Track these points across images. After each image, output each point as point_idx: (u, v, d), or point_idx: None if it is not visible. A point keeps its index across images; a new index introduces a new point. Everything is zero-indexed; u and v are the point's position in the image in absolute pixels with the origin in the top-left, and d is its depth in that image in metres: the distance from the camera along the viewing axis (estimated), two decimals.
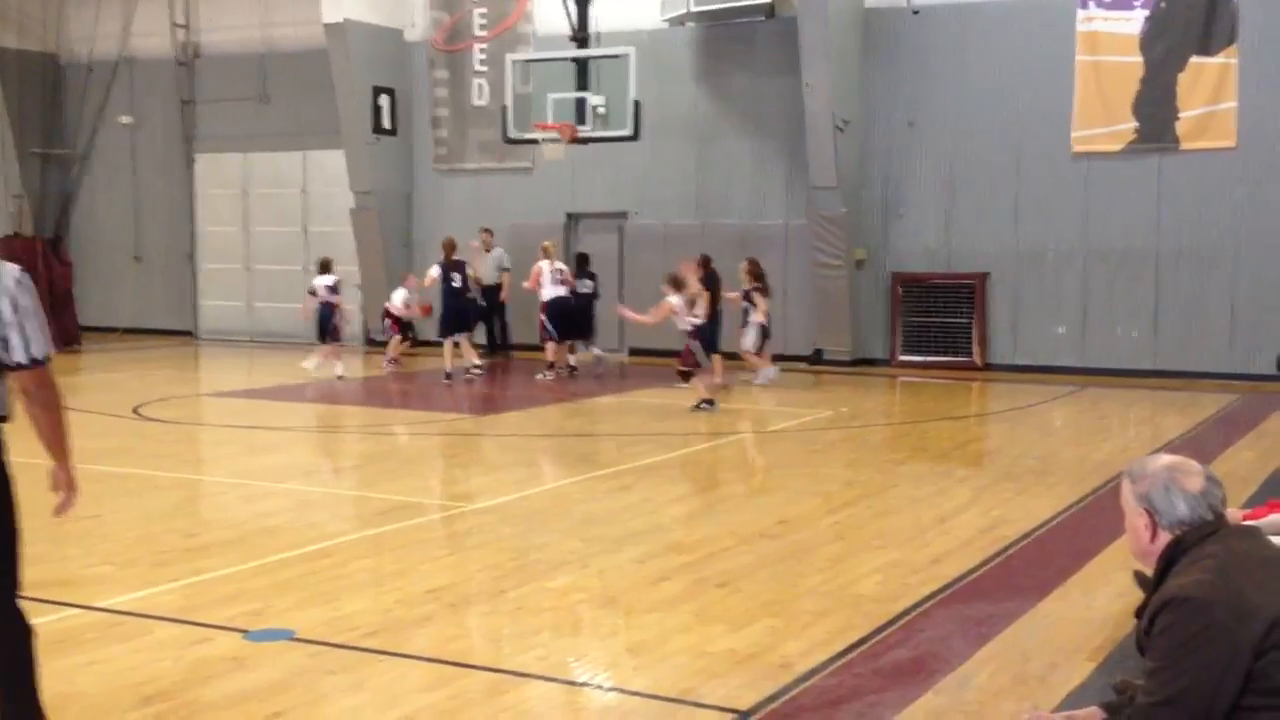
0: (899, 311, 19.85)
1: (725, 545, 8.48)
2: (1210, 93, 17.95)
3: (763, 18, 20.26)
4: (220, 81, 24.92)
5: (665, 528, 9.12)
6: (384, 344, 20.83)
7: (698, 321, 15.70)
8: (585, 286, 19.37)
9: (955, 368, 19.32)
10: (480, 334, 20.77)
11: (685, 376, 15.58)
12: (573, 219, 22.23)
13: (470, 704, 5.57)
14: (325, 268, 19.21)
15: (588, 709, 5.74)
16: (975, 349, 19.44)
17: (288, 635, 6.45)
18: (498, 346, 21.46)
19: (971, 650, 6.21)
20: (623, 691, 5.80)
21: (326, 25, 22.07)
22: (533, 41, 21.78)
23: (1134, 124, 18.41)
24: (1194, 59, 17.99)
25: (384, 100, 22.72)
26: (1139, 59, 18.31)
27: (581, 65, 18.78)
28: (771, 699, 5.56)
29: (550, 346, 18.57)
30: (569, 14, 19.75)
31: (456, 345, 18.31)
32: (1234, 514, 5.92)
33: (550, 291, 18.58)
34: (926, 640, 6.40)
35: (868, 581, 7.56)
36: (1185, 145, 18.15)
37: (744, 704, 5.50)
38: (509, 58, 19.94)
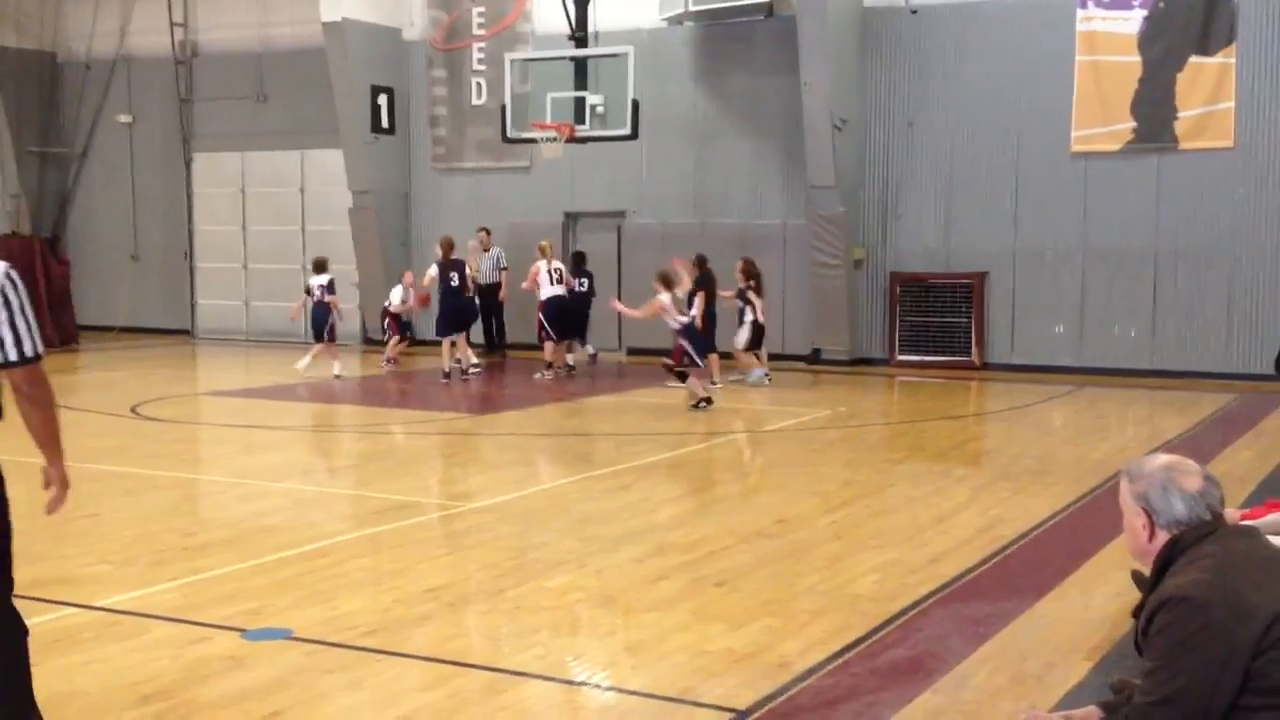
0: (897, 311, 19.85)
1: (723, 544, 8.48)
2: (1209, 93, 17.95)
3: (761, 17, 20.26)
4: (218, 80, 24.91)
5: (663, 527, 9.12)
6: (382, 343, 20.84)
7: (686, 320, 15.71)
8: (581, 285, 19.38)
9: (953, 367, 19.32)
10: (478, 333, 20.77)
11: (681, 376, 15.58)
12: (571, 218, 22.23)
13: (468, 703, 5.57)
14: (320, 267, 19.21)
15: (586, 708, 5.73)
16: (973, 348, 19.44)
17: (285, 634, 6.45)
18: (495, 346, 21.46)
19: (969, 650, 6.21)
20: (621, 691, 5.80)
21: (324, 24, 22.06)
22: (531, 40, 21.78)
23: (1132, 124, 18.41)
24: (1193, 59, 18.00)
25: (382, 99, 22.71)
26: (1138, 59, 18.31)
27: (580, 64, 18.77)
28: (769, 698, 5.56)
29: (548, 346, 18.57)
30: (567, 13, 19.75)
31: (454, 345, 18.32)
32: (1232, 514, 5.92)
33: (548, 291, 18.58)
34: (924, 640, 6.40)
35: (866, 581, 7.57)
36: (1184, 145, 18.16)
37: (742, 703, 5.50)
38: (507, 57, 19.95)
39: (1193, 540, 3.43)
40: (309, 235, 24.10)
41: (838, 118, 18.94)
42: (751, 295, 17.64)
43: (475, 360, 18.97)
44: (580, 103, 18.47)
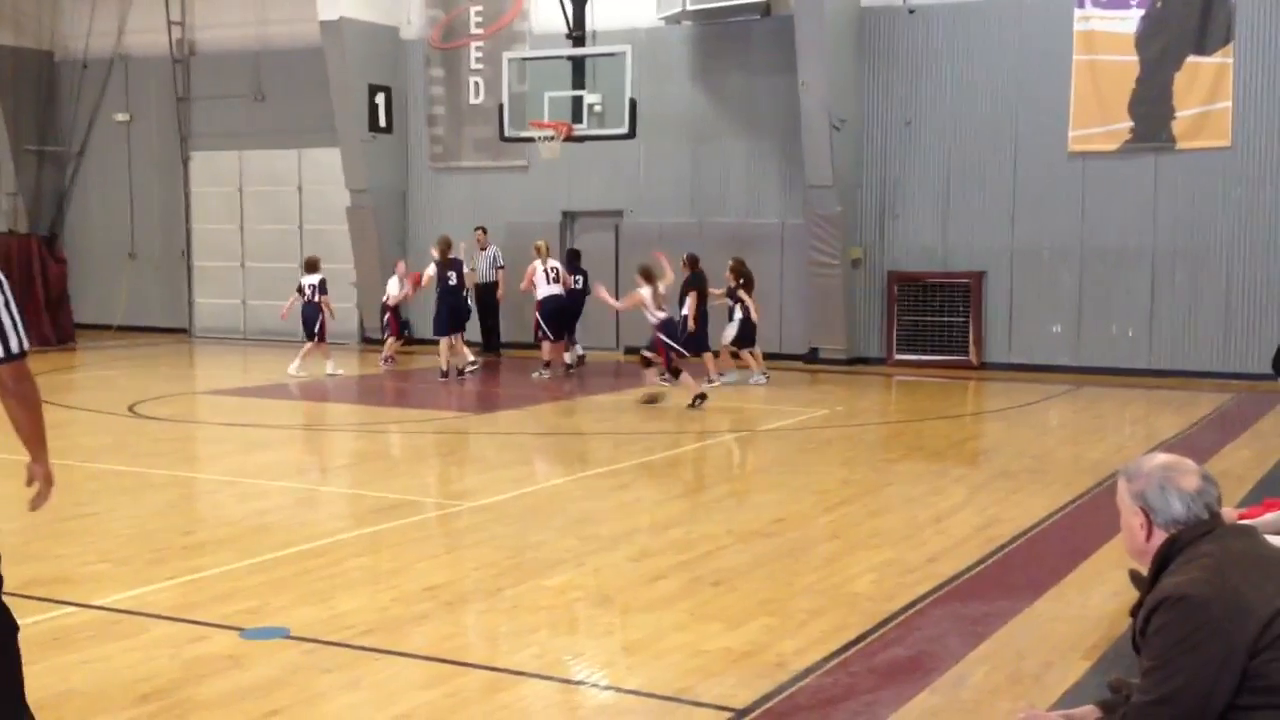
0: (895, 310, 19.86)
1: (721, 544, 8.48)
2: (1206, 92, 17.97)
3: (759, 16, 20.27)
4: (215, 79, 24.89)
5: (661, 526, 9.12)
6: (380, 342, 20.84)
7: (663, 315, 15.74)
8: (576, 283, 19.38)
9: (951, 366, 19.33)
10: (476, 332, 20.78)
11: (675, 373, 15.66)
12: (569, 217, 22.22)
13: (467, 702, 5.57)
14: (312, 266, 19.22)
15: (584, 707, 5.73)
16: (971, 348, 19.45)
17: (283, 633, 6.45)
18: (493, 345, 21.45)
19: (967, 649, 6.21)
20: (619, 690, 5.80)
21: (322, 23, 22.06)
22: (529, 40, 21.78)
23: (1130, 123, 18.43)
24: (1190, 58, 18.01)
25: (380, 98, 22.71)
26: (1135, 58, 18.33)
27: (578, 63, 18.78)
28: (767, 698, 5.56)
29: (546, 345, 18.57)
30: (565, 12, 19.76)
31: (452, 344, 18.32)
32: (1229, 513, 5.93)
33: (545, 290, 18.58)
34: (922, 639, 6.40)
35: (863, 580, 7.57)
36: (1181, 145, 18.18)
37: (740, 702, 5.50)
38: (505, 56, 19.95)
39: (1190, 539, 3.43)
40: (306, 234, 24.09)
41: (836, 117, 18.95)
42: (742, 294, 17.66)
43: (472, 358, 18.97)
44: (578, 102, 18.48)
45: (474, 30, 22.46)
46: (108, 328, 25.63)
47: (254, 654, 6.14)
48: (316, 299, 18.78)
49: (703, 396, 15.20)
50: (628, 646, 6.41)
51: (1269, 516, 6.61)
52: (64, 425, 13.78)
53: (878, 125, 19.96)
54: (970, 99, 19.35)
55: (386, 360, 19.94)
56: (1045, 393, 16.93)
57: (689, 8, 20.11)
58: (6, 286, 4.37)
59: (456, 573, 7.85)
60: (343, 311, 22.81)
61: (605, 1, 20.62)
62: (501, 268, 20.69)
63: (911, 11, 19.55)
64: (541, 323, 18.53)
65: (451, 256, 18.58)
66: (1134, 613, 3.58)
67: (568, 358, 19.31)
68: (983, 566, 7.91)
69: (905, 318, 19.83)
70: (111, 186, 26.30)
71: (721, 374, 17.57)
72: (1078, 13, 18.59)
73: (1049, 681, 5.72)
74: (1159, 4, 18.14)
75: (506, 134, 19.36)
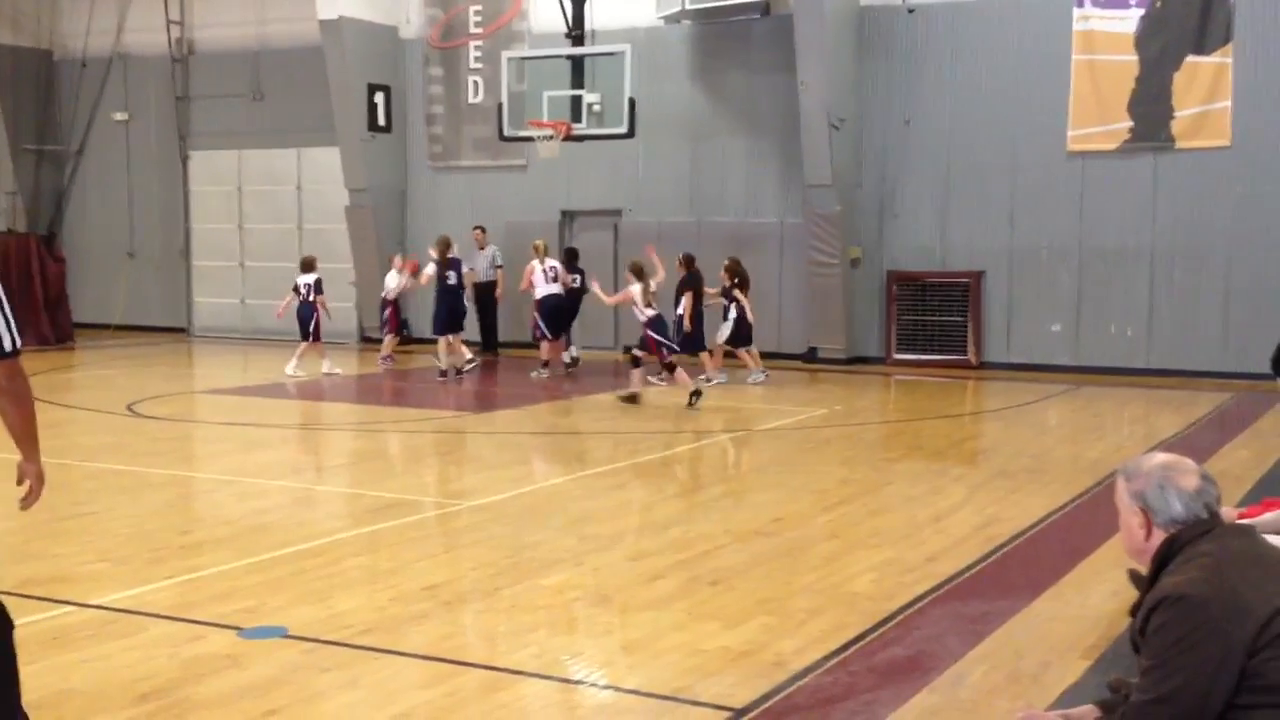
0: (894, 310, 19.86)
1: (719, 543, 8.48)
2: (1205, 92, 17.97)
3: (758, 15, 20.27)
4: (214, 78, 24.89)
5: (659, 525, 9.12)
6: (378, 341, 20.84)
7: (651, 313, 15.75)
8: (574, 282, 19.38)
9: (950, 366, 19.33)
10: (475, 331, 20.78)
11: (670, 368, 15.72)
12: (567, 216, 22.22)
13: (465, 702, 5.56)
14: (308, 266, 19.23)
15: (582, 707, 5.73)
16: (970, 347, 19.46)
17: (282, 633, 6.44)
18: (491, 344, 21.45)
19: (966, 648, 6.21)
20: (617, 689, 5.80)
21: (321, 22, 22.05)
22: (528, 39, 21.77)
23: (1129, 123, 18.43)
24: (1189, 58, 18.01)
25: (379, 97, 22.71)
26: (1134, 58, 18.33)
27: (577, 63, 18.77)
28: (766, 697, 5.55)
29: (544, 345, 18.57)
30: (564, 11, 19.75)
31: (450, 343, 18.32)
32: (1229, 512, 5.93)
33: (543, 290, 18.58)
34: (921, 638, 6.40)
35: (862, 579, 7.57)
36: (1180, 144, 18.18)
37: (738, 702, 5.49)
38: (504, 55, 19.94)
39: (1190, 539, 3.43)
40: (305, 233, 24.08)
41: (835, 116, 18.94)
42: (737, 293, 17.67)
43: (469, 356, 18.95)
44: (577, 101, 18.47)
45: (473, 29, 22.46)
46: (106, 327, 25.61)
47: (252, 653, 6.14)
48: (312, 298, 18.78)
49: (698, 393, 15.22)
50: (626, 646, 6.41)
51: (1268, 516, 6.61)
52: (62, 424, 13.77)
53: (877, 125, 19.96)
54: (969, 98, 19.35)
55: (385, 359, 19.94)
56: (1044, 392, 16.93)
57: (688, 7, 20.10)
58: None
59: (455, 572, 7.85)
60: (342, 311, 22.83)
61: (604, 1, 20.61)
62: (500, 267, 20.69)
63: (911, 11, 19.55)
64: (540, 322, 18.53)
65: (451, 256, 18.57)
66: (1133, 612, 3.58)
67: (566, 357, 19.30)
68: (982, 566, 7.91)
69: (904, 317, 19.84)
70: (110, 186, 26.28)
71: (715, 375, 17.59)
72: (1077, 12, 18.59)
73: (1048, 681, 5.72)
74: (1158, 4, 18.14)
75: (506, 133, 19.36)
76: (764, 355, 18.38)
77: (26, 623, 6.00)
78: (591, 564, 7.95)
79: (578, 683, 5.96)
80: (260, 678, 5.80)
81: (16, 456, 4.63)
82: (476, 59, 22.46)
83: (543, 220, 21.59)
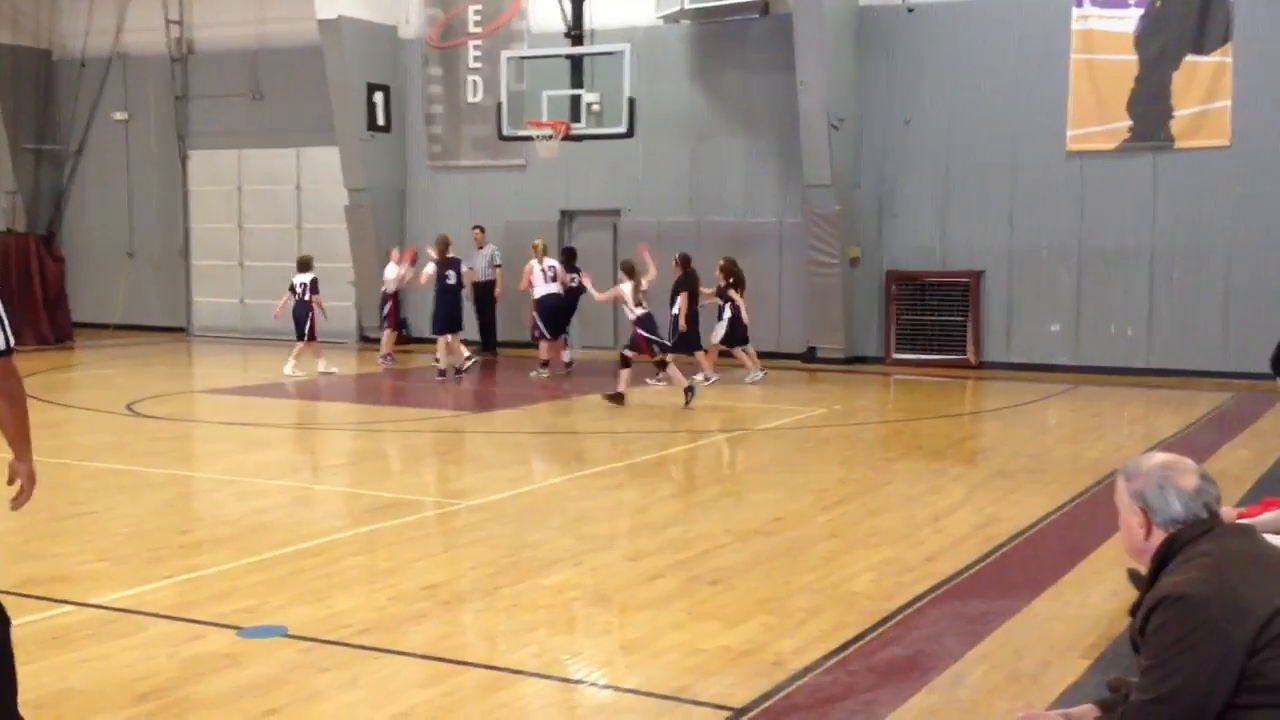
0: (893, 309, 19.86)
1: (719, 543, 8.48)
2: (1205, 91, 17.97)
3: (757, 15, 20.27)
4: (214, 78, 24.88)
5: (659, 525, 9.11)
6: (377, 341, 20.84)
7: (641, 312, 15.76)
8: (573, 282, 19.37)
9: (949, 366, 19.33)
10: (474, 331, 20.77)
11: (660, 365, 15.77)
12: (567, 216, 22.22)
13: (464, 701, 5.56)
14: (304, 265, 19.25)
15: (582, 706, 5.73)
16: (969, 347, 19.45)
17: (281, 632, 6.44)
18: (490, 344, 21.44)
19: (965, 648, 6.21)
20: (617, 689, 5.80)
21: (320, 21, 22.05)
22: (527, 38, 21.77)
23: (1128, 122, 18.43)
24: (1189, 57, 18.01)
25: (378, 97, 22.70)
26: (1134, 57, 18.33)
27: (576, 62, 18.76)
28: (765, 697, 5.55)
29: (543, 344, 18.57)
30: (563, 11, 19.74)
31: (449, 343, 18.32)
32: (1228, 512, 5.93)
33: (542, 289, 18.58)
34: (920, 638, 6.40)
35: (861, 579, 7.56)
36: (1180, 144, 18.18)
37: (738, 701, 5.49)
38: (503, 55, 19.92)
39: (1189, 539, 3.43)
40: (305, 233, 24.08)
41: (834, 116, 18.94)
42: (732, 293, 17.68)
43: (467, 353, 18.94)
44: (576, 100, 18.46)
45: (472, 29, 22.46)
46: (106, 326, 25.61)
47: (252, 653, 6.14)
48: (308, 298, 18.78)
49: (691, 389, 15.24)
50: (626, 645, 6.41)
51: (1268, 516, 6.61)
52: (62, 424, 13.77)
53: (876, 124, 19.95)
54: (969, 98, 19.35)
55: (385, 358, 19.95)
56: (1044, 392, 16.93)
57: (687, 6, 20.10)
58: None
59: (454, 572, 7.85)
60: (342, 310, 22.86)
61: (603, 0, 20.61)
62: (499, 266, 20.69)
63: (910, 10, 19.55)
64: (539, 321, 18.53)
65: (450, 255, 18.58)
66: (1133, 612, 3.58)
67: (566, 355, 19.30)
68: (981, 565, 7.91)
69: (903, 317, 19.83)
70: (110, 185, 26.28)
71: (709, 374, 17.59)
72: (1076, 12, 18.59)
73: (1047, 681, 5.72)
74: (1157, 3, 18.14)
75: (505, 133, 19.34)
76: (763, 355, 18.38)
77: (26, 622, 6.00)
78: (591, 563, 7.95)
79: (577, 682, 5.96)
80: (260, 677, 5.80)
81: (8, 455, 4.62)
82: (476, 59, 22.45)
83: (542, 220, 21.60)
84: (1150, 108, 18.28)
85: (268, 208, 24.69)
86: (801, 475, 11.09)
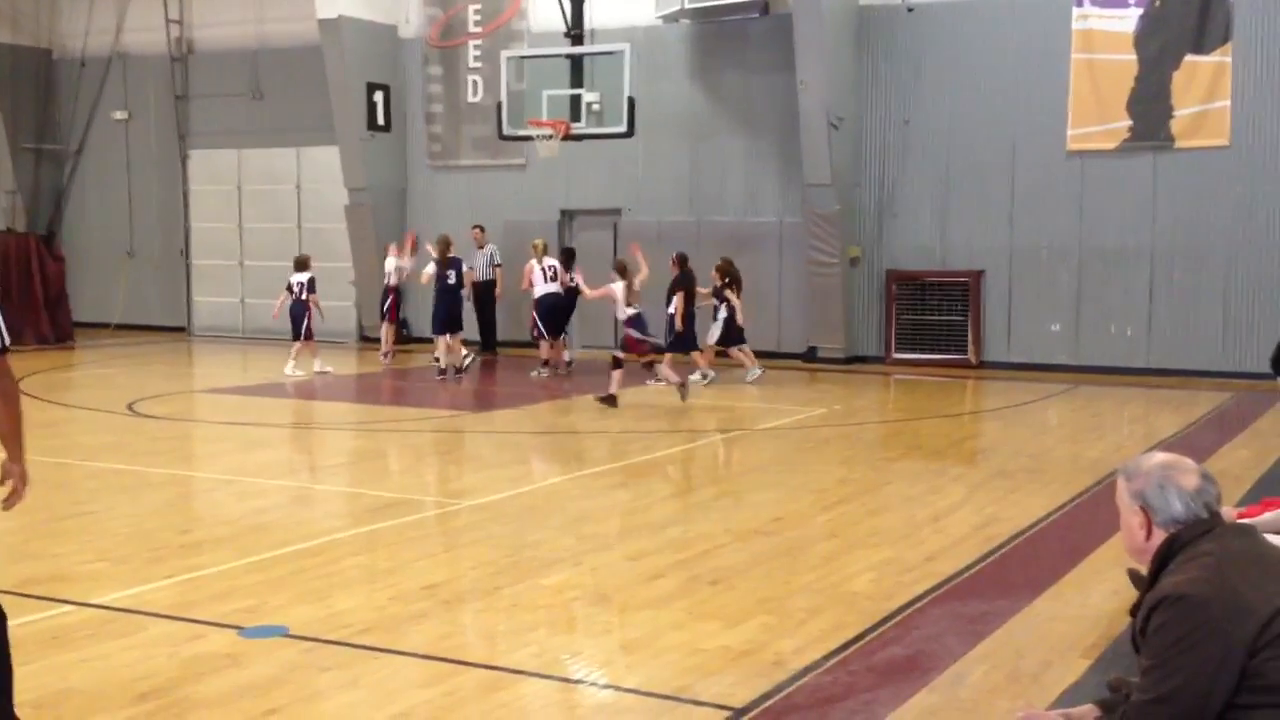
0: (893, 309, 19.86)
1: (719, 542, 8.48)
2: (1205, 91, 17.97)
3: (757, 15, 20.27)
4: (214, 77, 24.88)
5: (659, 525, 9.11)
6: (377, 341, 20.84)
7: (631, 311, 15.76)
8: (572, 282, 19.36)
9: (949, 365, 19.32)
10: (474, 330, 20.77)
11: (649, 366, 15.79)
12: (567, 215, 22.21)
13: (465, 701, 5.56)
14: (301, 265, 19.26)
15: (582, 706, 5.73)
16: (970, 347, 19.45)
17: (282, 632, 6.44)
18: (489, 343, 21.44)
19: (966, 648, 6.21)
20: (617, 689, 5.80)
21: (320, 21, 22.04)
22: (527, 38, 21.77)
23: (1128, 122, 18.43)
24: (1189, 57, 18.01)
25: (378, 97, 22.70)
26: (1134, 57, 18.33)
27: (576, 62, 18.75)
28: (765, 696, 5.55)
29: (544, 344, 18.57)
30: (563, 10, 19.73)
31: (449, 342, 18.33)
32: (1228, 512, 5.93)
33: (542, 289, 18.58)
34: (920, 638, 6.40)
35: (862, 579, 7.56)
36: (1180, 143, 18.18)
37: (738, 701, 5.49)
38: (503, 54, 19.92)
39: (1190, 539, 3.43)
40: (305, 232, 24.07)
41: (834, 116, 18.94)
42: (728, 294, 17.68)
43: (465, 352, 18.93)
44: (576, 100, 18.45)
45: (472, 29, 22.45)
46: (106, 326, 25.61)
47: (252, 652, 6.14)
48: (305, 297, 18.79)
49: (684, 385, 15.25)
50: (626, 645, 6.41)
51: (1268, 515, 6.61)
52: (62, 423, 13.77)
53: (876, 124, 19.95)
54: (969, 98, 19.34)
55: (385, 356, 19.95)
56: (1044, 392, 16.93)
57: (687, 6, 20.10)
58: None
59: (454, 571, 7.85)
60: (342, 310, 22.86)
61: (603, 0, 20.60)
62: (499, 266, 20.68)
63: (910, 10, 19.54)
64: (538, 321, 18.53)
65: (451, 255, 18.58)
66: (1133, 612, 3.58)
67: (566, 355, 19.30)
68: (981, 565, 7.91)
69: (904, 316, 19.83)
70: (110, 185, 26.28)
71: (706, 373, 17.60)
72: (1076, 11, 18.58)
73: (1048, 680, 5.72)
74: (1157, 3, 18.14)
75: (505, 132, 19.34)
76: (763, 355, 18.39)
77: (25, 622, 6.01)
78: (591, 563, 7.95)
79: (577, 682, 5.96)
80: (260, 677, 5.80)
81: (1, 455, 4.62)
82: (476, 58, 22.45)
83: (542, 220, 21.59)
84: (1150, 107, 18.28)
85: (268, 207, 24.68)
86: (801, 475, 11.09)
